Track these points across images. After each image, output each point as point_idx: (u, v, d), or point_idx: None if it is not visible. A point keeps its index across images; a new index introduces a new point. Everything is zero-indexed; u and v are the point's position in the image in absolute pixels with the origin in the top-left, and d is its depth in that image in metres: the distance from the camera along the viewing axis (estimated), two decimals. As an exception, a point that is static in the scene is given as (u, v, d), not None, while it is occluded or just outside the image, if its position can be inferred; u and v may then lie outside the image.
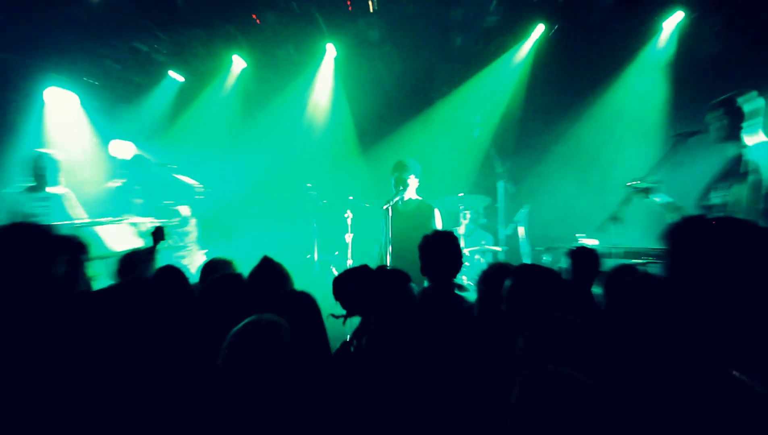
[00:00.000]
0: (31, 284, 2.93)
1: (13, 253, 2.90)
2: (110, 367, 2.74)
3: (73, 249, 3.92)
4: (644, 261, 5.75)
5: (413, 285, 3.45)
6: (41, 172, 6.75)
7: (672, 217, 5.41)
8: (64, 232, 5.78)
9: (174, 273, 3.79)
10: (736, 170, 5.27)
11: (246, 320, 2.63)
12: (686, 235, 2.63)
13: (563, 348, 2.44)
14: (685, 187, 6.61)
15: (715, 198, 5.48)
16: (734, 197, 5.27)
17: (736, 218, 2.66)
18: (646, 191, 5.41)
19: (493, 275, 3.29)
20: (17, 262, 2.90)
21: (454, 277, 4.19)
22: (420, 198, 6.68)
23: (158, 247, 4.60)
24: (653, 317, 2.61)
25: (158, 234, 4.68)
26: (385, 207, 6.42)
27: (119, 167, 7.79)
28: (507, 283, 3.13)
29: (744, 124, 5.34)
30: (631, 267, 3.52)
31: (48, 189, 6.73)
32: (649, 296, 2.78)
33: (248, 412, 2.47)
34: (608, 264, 5.78)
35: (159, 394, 2.68)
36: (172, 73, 9.33)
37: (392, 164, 6.73)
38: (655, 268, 5.60)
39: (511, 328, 3.11)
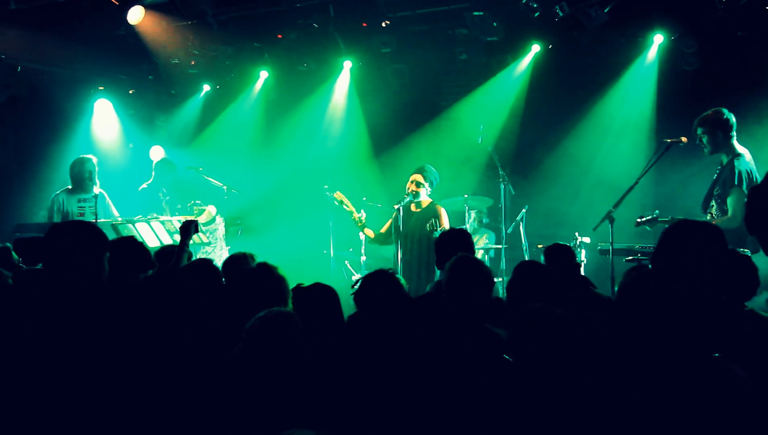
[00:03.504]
0: (89, 274, 2.98)
1: (73, 247, 2.93)
2: (142, 352, 2.82)
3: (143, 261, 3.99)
4: (635, 257, 5.82)
5: (400, 277, 3.53)
6: (81, 176, 6.86)
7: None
8: (105, 230, 5.92)
9: (206, 267, 3.74)
10: (730, 181, 5.37)
11: (259, 314, 2.61)
12: (674, 236, 2.69)
13: (547, 337, 2.47)
14: (674, 188, 6.68)
15: (714, 206, 5.57)
16: (731, 206, 5.36)
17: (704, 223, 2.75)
18: (653, 221, 5.55)
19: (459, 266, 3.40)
20: (77, 254, 2.94)
21: None
22: (430, 200, 6.74)
23: (187, 241, 4.38)
24: (649, 308, 2.64)
25: (187, 229, 4.42)
26: (396, 206, 6.51)
27: (151, 170, 7.90)
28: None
29: (732, 134, 5.45)
30: (642, 266, 3.55)
31: (87, 191, 6.84)
32: (646, 289, 2.82)
33: (261, 397, 2.48)
34: (605, 260, 5.87)
35: (183, 379, 2.75)
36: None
37: (416, 167, 6.76)
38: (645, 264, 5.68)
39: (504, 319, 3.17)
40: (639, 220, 5.61)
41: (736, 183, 5.29)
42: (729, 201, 5.34)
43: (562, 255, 4.09)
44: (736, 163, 5.36)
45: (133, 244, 4.07)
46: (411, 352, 2.79)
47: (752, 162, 5.45)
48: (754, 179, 5.34)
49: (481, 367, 2.69)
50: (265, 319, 2.56)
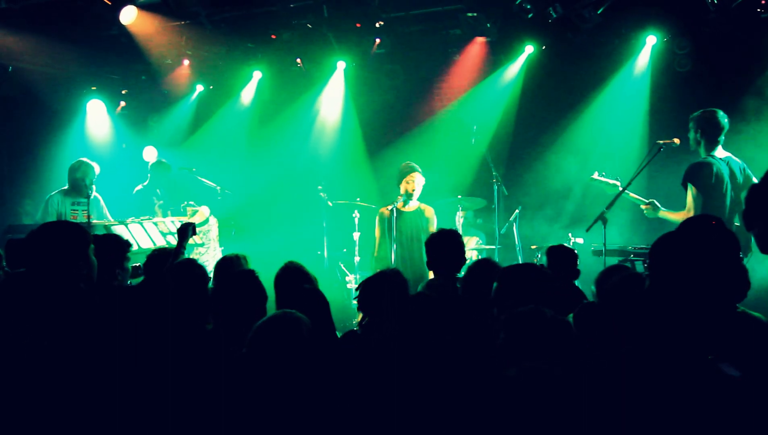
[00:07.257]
0: (75, 275, 2.95)
1: (56, 247, 2.92)
2: (139, 353, 2.77)
3: (117, 246, 3.91)
4: (628, 258, 5.80)
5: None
6: (82, 182, 6.71)
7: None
8: (98, 231, 5.84)
9: (191, 268, 3.68)
10: (683, 177, 5.51)
11: (270, 315, 2.64)
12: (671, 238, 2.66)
13: (538, 340, 2.46)
14: (667, 190, 6.64)
15: None
16: (686, 202, 5.51)
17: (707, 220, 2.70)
18: (655, 208, 5.74)
19: (477, 269, 3.35)
20: (58, 254, 2.91)
21: (458, 271, 4.23)
22: (418, 202, 6.68)
23: (184, 244, 4.34)
24: (636, 310, 2.61)
25: (185, 232, 4.38)
26: (390, 207, 6.45)
27: (146, 172, 7.81)
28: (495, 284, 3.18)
29: (717, 137, 5.49)
30: (622, 267, 3.52)
31: (82, 195, 6.73)
32: (633, 292, 2.79)
33: (269, 397, 2.47)
34: (597, 260, 5.83)
35: (185, 381, 2.71)
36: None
37: (400, 166, 6.68)
38: (638, 265, 5.66)
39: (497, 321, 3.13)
40: (645, 208, 5.74)
41: (686, 179, 5.44)
42: (686, 197, 5.49)
43: (566, 258, 4.02)
44: (696, 162, 5.48)
45: (108, 240, 3.98)
46: (418, 352, 2.76)
47: (729, 167, 5.46)
48: (721, 183, 5.40)
49: (485, 371, 2.65)
50: (274, 319, 2.58)
